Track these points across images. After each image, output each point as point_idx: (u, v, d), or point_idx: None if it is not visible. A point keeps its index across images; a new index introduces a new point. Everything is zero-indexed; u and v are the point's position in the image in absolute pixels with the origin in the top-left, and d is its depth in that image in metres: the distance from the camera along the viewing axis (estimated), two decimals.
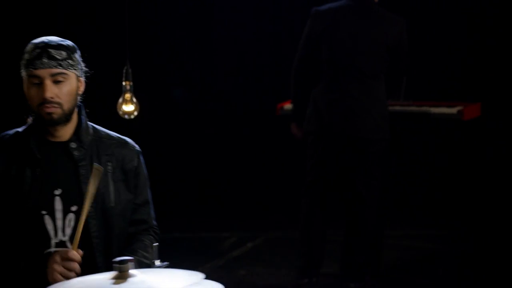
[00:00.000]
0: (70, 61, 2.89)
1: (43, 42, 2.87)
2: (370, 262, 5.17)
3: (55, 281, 2.73)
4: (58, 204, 2.87)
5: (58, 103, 2.85)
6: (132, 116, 3.71)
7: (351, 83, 4.90)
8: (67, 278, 2.73)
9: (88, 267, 2.83)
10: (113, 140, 3.01)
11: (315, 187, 5.05)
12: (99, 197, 2.90)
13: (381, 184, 5.08)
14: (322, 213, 5.09)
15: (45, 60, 2.83)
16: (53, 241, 2.87)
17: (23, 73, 2.87)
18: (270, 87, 7.17)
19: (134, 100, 3.67)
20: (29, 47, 2.87)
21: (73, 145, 2.92)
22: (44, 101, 2.82)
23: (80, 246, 2.82)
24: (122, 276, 2.28)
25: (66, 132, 2.92)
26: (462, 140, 7.09)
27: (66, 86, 2.86)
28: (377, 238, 5.27)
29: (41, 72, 2.83)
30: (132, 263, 2.31)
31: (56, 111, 2.84)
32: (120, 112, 3.70)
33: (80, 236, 2.77)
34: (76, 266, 2.76)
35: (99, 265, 2.90)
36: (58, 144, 2.92)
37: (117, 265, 2.28)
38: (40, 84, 2.83)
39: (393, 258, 5.74)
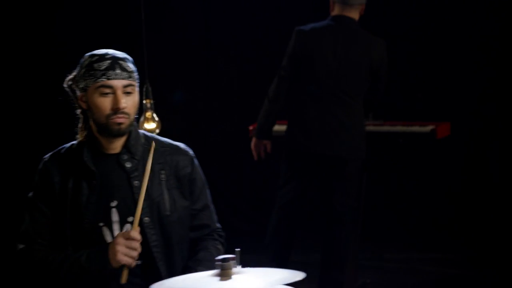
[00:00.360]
0: (135, 74, 2.95)
1: (108, 54, 2.91)
2: (347, 280, 5.23)
3: (120, 262, 2.78)
4: (114, 216, 2.91)
5: (128, 114, 2.89)
6: (154, 133, 3.71)
7: (333, 103, 4.98)
8: (131, 257, 2.78)
9: (151, 277, 2.87)
10: (165, 147, 3.04)
11: (287, 201, 5.11)
12: (155, 206, 2.94)
13: (356, 202, 5.18)
14: (291, 228, 5.16)
15: (118, 71, 2.87)
16: None
17: (89, 83, 2.88)
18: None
19: (156, 118, 3.68)
20: (93, 58, 2.90)
21: (124, 157, 2.96)
22: (117, 111, 2.86)
23: (141, 257, 2.86)
24: (225, 274, 2.34)
25: (118, 144, 2.96)
26: (434, 160, 7.21)
27: (133, 98, 2.92)
28: (354, 256, 5.37)
29: (115, 83, 2.87)
30: (235, 260, 2.36)
31: (125, 122, 2.89)
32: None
33: (141, 247, 2.81)
34: (138, 245, 2.79)
35: (162, 274, 2.93)
36: (111, 156, 2.96)
37: (220, 263, 2.35)
38: (110, 94, 2.87)
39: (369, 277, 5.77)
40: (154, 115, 3.67)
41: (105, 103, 2.86)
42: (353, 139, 5.02)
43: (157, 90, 4.02)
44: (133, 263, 2.79)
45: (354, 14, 5.03)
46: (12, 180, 6.48)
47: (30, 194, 2.97)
